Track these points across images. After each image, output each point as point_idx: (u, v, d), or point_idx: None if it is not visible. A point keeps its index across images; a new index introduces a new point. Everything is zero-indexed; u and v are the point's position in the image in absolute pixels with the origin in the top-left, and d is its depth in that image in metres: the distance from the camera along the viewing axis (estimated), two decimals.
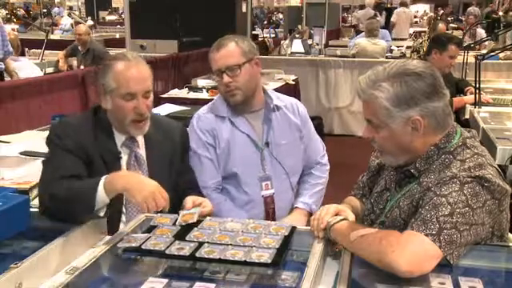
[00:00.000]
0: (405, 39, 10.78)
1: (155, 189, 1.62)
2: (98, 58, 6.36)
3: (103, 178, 1.65)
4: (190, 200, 1.83)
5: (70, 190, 1.66)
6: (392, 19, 11.63)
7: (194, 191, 2.02)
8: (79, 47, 6.74)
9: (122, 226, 1.85)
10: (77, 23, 11.39)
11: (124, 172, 1.84)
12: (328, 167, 2.48)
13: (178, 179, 2.04)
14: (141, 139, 1.97)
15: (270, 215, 2.23)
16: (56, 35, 10.72)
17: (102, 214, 1.65)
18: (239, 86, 2.15)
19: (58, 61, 6.85)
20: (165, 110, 3.62)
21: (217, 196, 2.19)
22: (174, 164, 2.03)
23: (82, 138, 1.83)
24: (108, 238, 1.64)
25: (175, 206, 1.92)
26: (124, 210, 1.90)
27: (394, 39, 10.12)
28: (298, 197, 2.37)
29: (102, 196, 1.63)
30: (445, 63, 3.85)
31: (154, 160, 1.97)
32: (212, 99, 2.37)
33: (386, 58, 6.71)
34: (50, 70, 6.39)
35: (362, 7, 13.42)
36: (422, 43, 6.71)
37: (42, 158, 2.41)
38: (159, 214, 1.73)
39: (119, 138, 1.92)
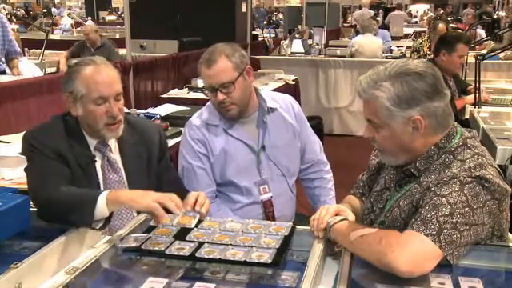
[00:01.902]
0: (400, 37, 11.55)
1: (162, 194, 1.61)
2: (112, 55, 6.40)
3: (105, 192, 1.64)
4: (192, 197, 1.78)
5: (68, 197, 1.65)
6: (386, 21, 12.08)
7: (179, 190, 1.98)
8: (88, 45, 6.76)
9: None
10: (77, 23, 11.41)
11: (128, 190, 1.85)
12: (329, 166, 2.50)
13: (160, 180, 2.03)
14: (113, 143, 1.95)
15: (270, 219, 2.22)
16: (56, 35, 10.71)
17: (98, 226, 1.62)
18: (234, 101, 2.12)
19: (58, 62, 6.83)
20: (165, 109, 3.61)
21: (211, 207, 2.16)
22: (152, 165, 2.01)
23: (56, 143, 1.81)
24: (108, 237, 1.64)
25: None
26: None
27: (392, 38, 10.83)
28: (322, 203, 2.34)
29: (101, 209, 1.61)
30: (454, 64, 3.78)
31: (130, 163, 1.96)
32: None
33: (386, 58, 6.73)
34: (49, 70, 6.38)
35: (362, 7, 13.48)
36: (421, 43, 6.70)
37: None
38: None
39: (91, 143, 1.90)
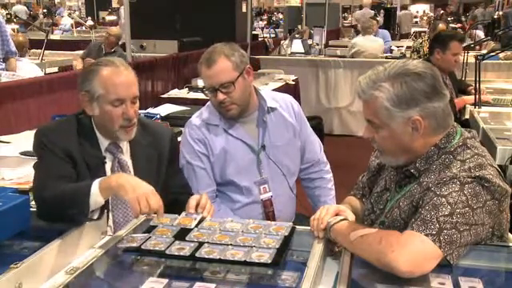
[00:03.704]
0: (408, 34, 12.22)
1: (150, 191, 1.58)
2: None
3: (98, 179, 1.64)
4: (194, 200, 1.79)
5: (64, 192, 1.65)
6: (397, 21, 13.00)
7: (186, 195, 2.00)
8: (103, 45, 6.74)
9: (108, 229, 1.83)
10: (77, 23, 11.41)
11: (123, 173, 1.82)
12: (329, 166, 2.50)
13: (168, 183, 2.02)
14: (125, 144, 1.94)
15: (270, 218, 2.23)
16: (56, 35, 10.71)
17: (95, 216, 1.62)
18: (234, 101, 2.12)
19: (71, 65, 6.78)
20: (165, 109, 3.62)
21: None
22: (162, 169, 2.01)
23: (67, 143, 1.82)
24: (108, 237, 1.64)
25: (165, 209, 1.93)
26: (110, 215, 1.88)
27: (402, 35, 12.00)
28: (322, 203, 2.34)
29: (95, 197, 1.61)
30: (449, 62, 3.78)
31: (140, 165, 1.95)
32: None
33: (386, 58, 6.73)
34: (49, 70, 6.37)
35: (362, 7, 13.53)
36: (421, 43, 6.71)
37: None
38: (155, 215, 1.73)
39: (103, 144, 1.90)
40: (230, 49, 2.12)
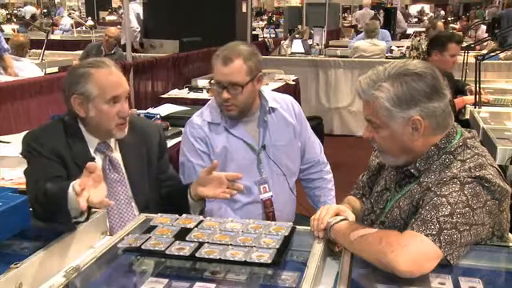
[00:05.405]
0: (405, 31, 12.29)
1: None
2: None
3: (72, 183, 1.54)
4: None
5: (48, 196, 1.61)
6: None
7: (178, 186, 2.03)
8: (102, 47, 6.75)
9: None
10: (77, 23, 11.42)
11: None
12: (329, 167, 2.51)
13: (161, 178, 2.05)
14: (113, 142, 1.95)
15: (270, 218, 2.23)
16: (56, 35, 10.71)
17: (82, 219, 1.59)
18: (237, 103, 2.13)
19: (71, 65, 6.79)
20: (165, 110, 3.62)
21: (212, 205, 2.16)
22: (152, 164, 2.02)
23: (55, 145, 1.82)
24: (108, 237, 1.64)
25: (158, 204, 1.96)
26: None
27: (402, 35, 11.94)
28: (322, 204, 2.35)
29: (74, 201, 1.51)
30: (447, 63, 3.78)
31: (130, 161, 1.96)
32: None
33: (386, 58, 6.72)
34: (49, 70, 6.36)
35: (362, 7, 13.55)
36: (419, 41, 6.73)
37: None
38: (159, 214, 1.73)
39: (92, 144, 1.91)
40: (250, 52, 2.13)
